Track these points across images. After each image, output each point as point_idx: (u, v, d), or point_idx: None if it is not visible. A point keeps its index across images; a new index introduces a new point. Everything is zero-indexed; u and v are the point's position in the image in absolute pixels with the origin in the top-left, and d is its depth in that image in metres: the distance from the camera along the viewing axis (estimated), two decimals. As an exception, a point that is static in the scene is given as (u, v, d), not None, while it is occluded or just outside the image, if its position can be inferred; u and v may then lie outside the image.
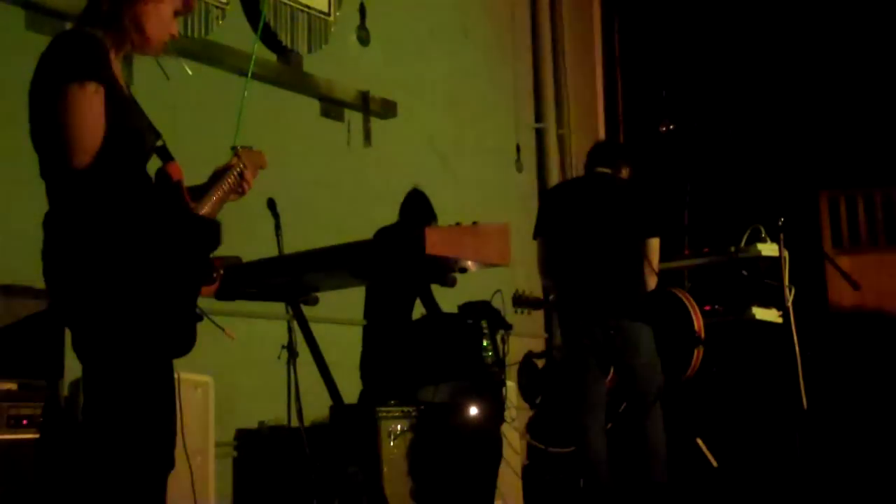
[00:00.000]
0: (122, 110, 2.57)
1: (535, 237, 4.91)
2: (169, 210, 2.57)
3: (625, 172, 4.95)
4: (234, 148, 3.02)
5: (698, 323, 4.83)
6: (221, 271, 2.77)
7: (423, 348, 5.00)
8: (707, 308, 5.40)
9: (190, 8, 2.83)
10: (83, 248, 2.47)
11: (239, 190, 2.97)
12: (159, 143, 2.71)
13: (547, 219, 4.90)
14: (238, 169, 2.95)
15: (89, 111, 2.45)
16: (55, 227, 2.54)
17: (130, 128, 2.59)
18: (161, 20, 2.69)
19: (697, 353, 4.82)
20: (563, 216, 4.82)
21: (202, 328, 2.74)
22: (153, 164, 2.68)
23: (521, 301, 4.79)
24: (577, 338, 4.70)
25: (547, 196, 5.29)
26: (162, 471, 2.62)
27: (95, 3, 2.65)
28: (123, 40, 2.66)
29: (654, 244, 4.72)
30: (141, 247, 2.47)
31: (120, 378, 2.52)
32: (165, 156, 2.68)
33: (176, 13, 2.75)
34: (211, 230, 2.65)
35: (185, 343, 2.61)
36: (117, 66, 2.67)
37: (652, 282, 4.75)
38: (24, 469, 3.41)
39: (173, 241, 2.54)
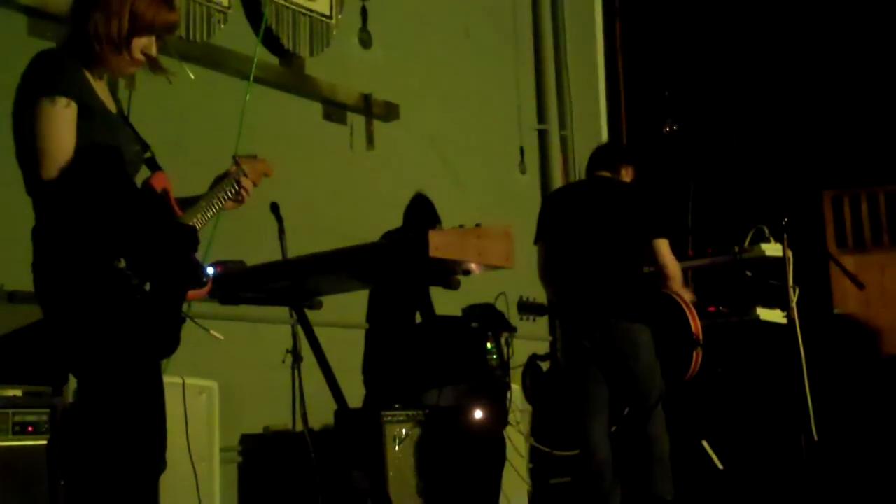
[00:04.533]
0: (100, 125, 2.62)
1: (535, 242, 4.90)
2: (149, 218, 2.61)
3: (626, 175, 4.94)
4: (234, 157, 3.04)
5: (695, 325, 4.80)
6: (212, 276, 2.80)
7: (427, 352, 5.00)
8: (711, 309, 5.38)
9: (171, 32, 2.86)
10: (63, 260, 2.53)
11: (237, 198, 2.99)
12: (147, 154, 2.76)
13: (546, 224, 4.90)
14: (236, 177, 2.97)
15: (59, 125, 2.52)
16: (40, 240, 2.59)
17: (107, 142, 2.62)
18: (141, 48, 2.72)
19: (696, 356, 4.78)
20: (562, 221, 4.82)
21: (206, 335, 2.75)
22: (143, 175, 2.71)
23: (526, 307, 4.77)
24: (576, 341, 4.69)
25: (546, 201, 5.28)
26: (153, 472, 2.64)
27: (78, 28, 2.69)
28: (104, 65, 2.71)
29: (660, 245, 4.70)
30: (120, 255, 2.50)
31: (107, 383, 2.57)
32: (153, 166, 2.73)
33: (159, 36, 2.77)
34: (187, 234, 2.67)
35: (168, 344, 2.64)
36: (101, 83, 2.72)
37: (671, 283, 4.73)
38: (29, 475, 3.40)
39: (151, 246, 2.57)
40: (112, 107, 2.74)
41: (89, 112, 2.60)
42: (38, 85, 2.56)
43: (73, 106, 2.55)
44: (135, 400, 2.58)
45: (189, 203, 2.89)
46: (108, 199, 2.55)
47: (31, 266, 2.60)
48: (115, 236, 2.52)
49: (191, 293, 2.75)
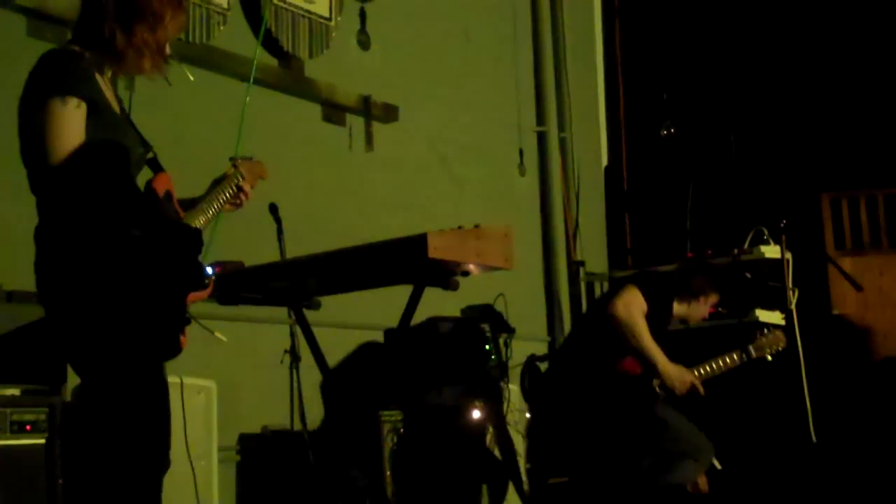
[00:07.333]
0: (108, 125, 2.61)
1: None
2: (153, 219, 2.60)
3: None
4: (232, 159, 3.03)
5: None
6: (213, 277, 2.79)
7: (423, 352, 4.99)
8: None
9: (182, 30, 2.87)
10: (68, 259, 2.52)
11: (236, 201, 2.99)
12: (150, 155, 2.75)
13: None
14: (235, 180, 2.97)
15: (69, 125, 2.51)
16: (44, 239, 2.58)
17: (116, 142, 2.62)
18: (159, 46, 2.72)
19: None
20: None
21: (204, 334, 2.75)
22: (146, 175, 2.71)
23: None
24: None
25: None
26: (157, 472, 2.64)
27: (90, 24, 2.68)
28: (118, 62, 2.69)
29: (623, 290, 4.55)
30: (125, 255, 2.50)
31: (111, 383, 2.57)
32: (156, 167, 2.72)
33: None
34: (192, 236, 2.67)
35: (172, 346, 2.64)
36: (107, 83, 2.70)
37: (623, 330, 4.50)
38: (27, 474, 3.41)
39: (157, 248, 2.56)
40: (116, 106, 2.73)
41: (97, 111, 2.58)
42: (47, 84, 2.54)
43: (83, 106, 2.54)
44: (138, 399, 2.58)
45: (188, 205, 2.88)
46: (112, 196, 2.55)
47: (34, 265, 2.59)
48: (119, 234, 2.51)
49: (192, 295, 2.75)
